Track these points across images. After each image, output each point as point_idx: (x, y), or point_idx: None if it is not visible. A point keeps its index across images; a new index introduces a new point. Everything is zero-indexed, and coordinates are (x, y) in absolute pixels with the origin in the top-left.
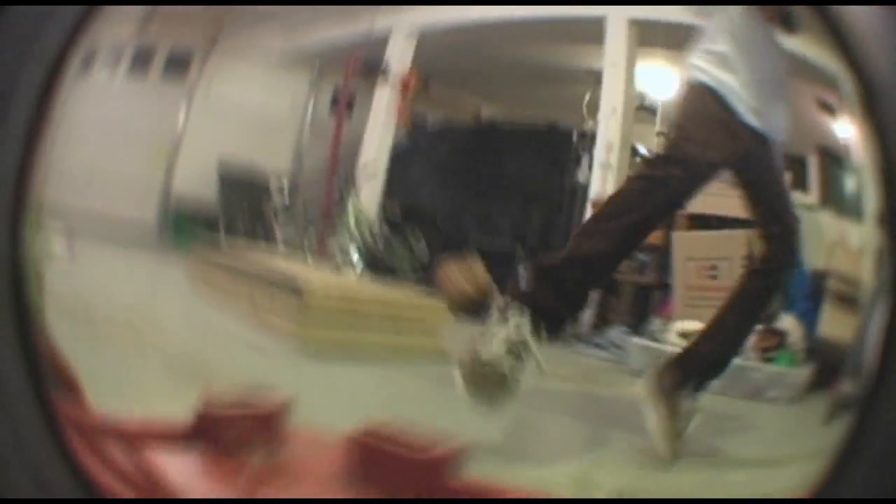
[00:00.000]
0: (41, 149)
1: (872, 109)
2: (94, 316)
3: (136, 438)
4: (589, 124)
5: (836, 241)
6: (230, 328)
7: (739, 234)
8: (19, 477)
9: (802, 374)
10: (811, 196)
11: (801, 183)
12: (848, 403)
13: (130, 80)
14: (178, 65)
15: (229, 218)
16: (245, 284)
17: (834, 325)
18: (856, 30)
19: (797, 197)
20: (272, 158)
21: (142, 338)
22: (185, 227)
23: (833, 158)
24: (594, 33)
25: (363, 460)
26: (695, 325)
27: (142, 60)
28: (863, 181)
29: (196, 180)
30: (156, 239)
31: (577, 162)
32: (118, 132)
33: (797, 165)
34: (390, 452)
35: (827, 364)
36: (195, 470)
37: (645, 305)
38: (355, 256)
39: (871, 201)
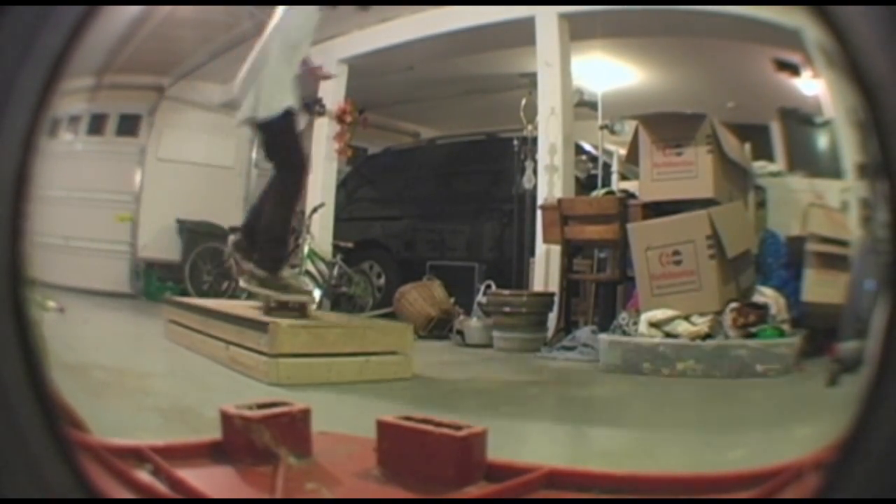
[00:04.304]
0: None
1: (873, 109)
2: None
3: (161, 456)
4: (528, 129)
5: (811, 203)
6: (206, 371)
7: (700, 215)
8: (19, 477)
9: (791, 343)
10: (779, 162)
11: (766, 150)
12: (849, 362)
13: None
14: (129, 125)
15: (193, 270)
16: (215, 328)
17: (820, 288)
18: (856, 30)
19: (763, 165)
20: (226, 209)
21: (129, 383)
22: (154, 281)
23: (799, 119)
24: (524, 35)
25: (400, 442)
26: (666, 314)
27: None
28: (836, 136)
29: (159, 238)
30: (130, 293)
31: (522, 169)
32: (84, 196)
33: (761, 133)
34: (428, 431)
35: (819, 328)
36: (229, 480)
37: (610, 302)
38: (315, 290)
39: (851, 154)
